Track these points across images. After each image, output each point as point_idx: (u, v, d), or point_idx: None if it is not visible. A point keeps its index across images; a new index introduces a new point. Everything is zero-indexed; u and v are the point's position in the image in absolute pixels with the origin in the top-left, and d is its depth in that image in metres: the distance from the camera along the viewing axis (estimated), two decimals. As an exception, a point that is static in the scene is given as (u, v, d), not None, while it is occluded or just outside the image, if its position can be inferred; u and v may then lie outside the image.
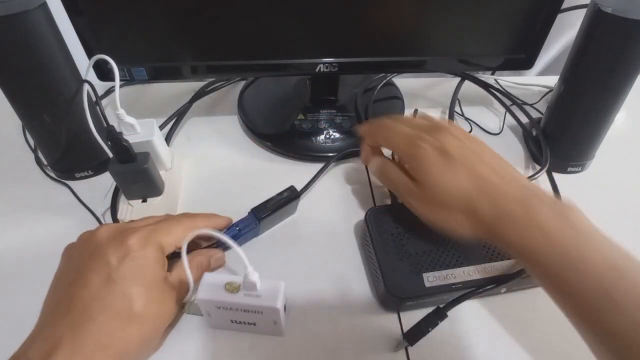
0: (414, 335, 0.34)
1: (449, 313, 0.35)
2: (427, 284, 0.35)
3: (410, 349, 0.35)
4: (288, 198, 0.42)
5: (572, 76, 0.47)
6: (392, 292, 0.35)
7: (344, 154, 0.50)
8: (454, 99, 0.59)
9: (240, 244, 0.31)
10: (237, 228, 0.40)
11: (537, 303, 0.38)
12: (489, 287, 0.36)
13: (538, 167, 0.50)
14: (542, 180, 0.48)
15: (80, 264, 0.31)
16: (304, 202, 0.46)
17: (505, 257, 0.37)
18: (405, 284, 0.35)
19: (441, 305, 0.35)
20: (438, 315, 0.35)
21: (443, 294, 0.35)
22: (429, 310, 0.35)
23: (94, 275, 0.30)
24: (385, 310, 0.38)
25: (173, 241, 0.34)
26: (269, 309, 0.32)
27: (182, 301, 0.35)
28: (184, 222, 0.36)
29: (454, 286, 0.35)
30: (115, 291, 0.29)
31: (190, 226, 0.36)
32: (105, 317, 0.28)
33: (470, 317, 0.37)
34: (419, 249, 0.37)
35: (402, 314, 0.37)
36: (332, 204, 0.47)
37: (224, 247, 0.40)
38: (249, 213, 0.41)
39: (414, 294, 0.35)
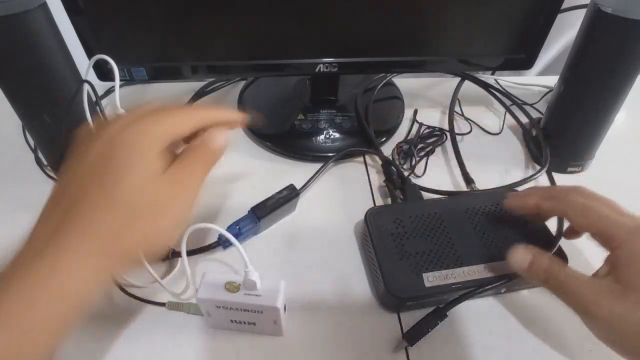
0: (413, 335, 0.34)
1: (448, 313, 0.35)
2: (427, 284, 0.35)
3: (410, 349, 0.35)
4: (287, 196, 0.42)
5: (572, 76, 0.47)
6: (392, 292, 0.35)
7: (344, 154, 0.50)
8: (454, 99, 0.59)
9: (239, 243, 0.31)
10: (237, 227, 0.40)
11: (537, 303, 0.38)
12: (489, 287, 0.36)
13: (538, 167, 0.50)
14: (542, 180, 0.48)
15: (77, 184, 0.26)
16: (304, 203, 0.46)
17: (505, 257, 0.37)
18: (405, 284, 0.35)
19: (441, 305, 0.35)
20: (438, 316, 0.35)
21: (443, 294, 0.35)
22: (429, 310, 0.35)
23: (85, 179, 0.26)
24: (385, 310, 0.37)
25: (170, 129, 0.27)
26: (269, 309, 0.32)
27: (188, 200, 0.30)
28: (184, 108, 0.30)
29: (454, 286, 0.35)
30: (107, 187, 0.25)
31: (190, 114, 0.29)
32: (98, 214, 0.25)
33: (470, 317, 0.37)
34: (419, 249, 0.37)
35: (402, 314, 0.37)
36: (332, 203, 0.47)
37: (224, 245, 0.41)
38: (248, 212, 0.41)
39: (414, 294, 0.35)
